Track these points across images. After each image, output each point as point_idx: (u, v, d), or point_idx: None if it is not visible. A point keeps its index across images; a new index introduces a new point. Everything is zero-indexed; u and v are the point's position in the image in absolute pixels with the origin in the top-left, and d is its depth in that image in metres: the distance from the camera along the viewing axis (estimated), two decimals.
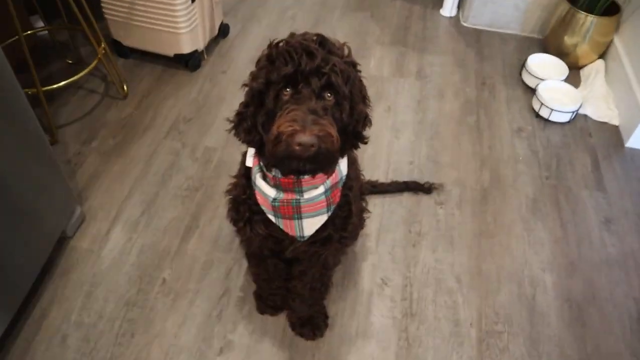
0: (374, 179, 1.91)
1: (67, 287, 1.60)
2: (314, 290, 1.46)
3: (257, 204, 1.17)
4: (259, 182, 1.12)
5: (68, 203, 1.67)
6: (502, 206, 1.91)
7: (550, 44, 2.53)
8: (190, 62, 2.31)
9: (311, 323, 1.53)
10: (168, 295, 1.60)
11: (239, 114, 1.06)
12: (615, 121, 2.24)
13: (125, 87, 2.19)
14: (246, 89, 1.05)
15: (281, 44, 0.99)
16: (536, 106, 2.25)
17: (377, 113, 2.15)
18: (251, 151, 1.15)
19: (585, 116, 2.27)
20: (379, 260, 1.72)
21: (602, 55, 2.47)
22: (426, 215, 1.86)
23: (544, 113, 2.21)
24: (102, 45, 2.02)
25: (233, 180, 1.31)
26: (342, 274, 1.67)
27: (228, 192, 1.30)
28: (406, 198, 1.91)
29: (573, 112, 2.20)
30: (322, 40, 1.00)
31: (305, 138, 0.88)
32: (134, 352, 1.47)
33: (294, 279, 1.46)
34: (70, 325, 1.51)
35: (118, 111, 2.15)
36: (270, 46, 1.00)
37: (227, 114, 2.14)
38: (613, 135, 2.21)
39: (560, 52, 2.45)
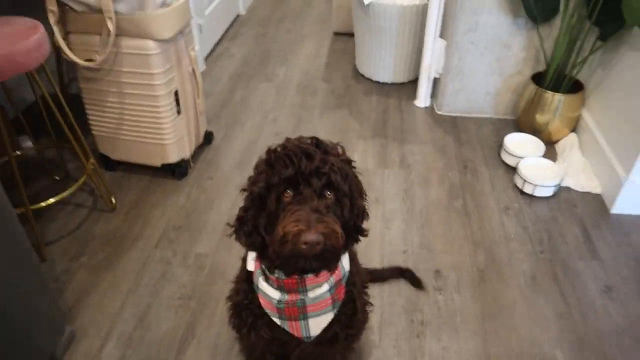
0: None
1: None
2: None
3: (261, 308, 1.16)
4: (262, 285, 1.12)
5: (57, 322, 1.61)
6: (501, 286, 1.88)
7: (523, 123, 2.64)
8: (177, 171, 2.35)
9: None
10: None
11: (239, 218, 1.08)
12: (597, 190, 2.29)
13: (113, 200, 2.19)
14: (245, 193, 1.08)
15: (279, 149, 1.04)
16: (519, 183, 2.30)
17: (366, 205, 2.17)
18: (251, 255, 1.15)
19: (568, 188, 2.32)
20: (383, 355, 1.65)
21: (573, 129, 2.58)
22: (426, 303, 1.82)
23: (527, 189, 2.26)
24: (91, 161, 2.05)
25: (232, 286, 1.29)
26: None
27: (229, 298, 1.28)
28: (404, 287, 1.88)
29: (556, 186, 2.25)
30: (317, 143, 1.06)
31: (311, 236, 0.90)
32: None
33: None
34: None
35: (106, 224, 2.14)
36: (268, 151, 1.05)
37: (216, 219, 2.17)
38: (597, 203, 2.25)
39: (534, 130, 2.56)
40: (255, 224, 1.05)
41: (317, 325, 1.15)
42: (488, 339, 1.70)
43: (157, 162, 2.31)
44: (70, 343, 1.67)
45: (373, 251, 2.01)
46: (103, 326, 1.74)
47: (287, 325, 1.15)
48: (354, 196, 1.06)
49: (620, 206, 2.18)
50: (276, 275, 1.08)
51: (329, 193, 1.00)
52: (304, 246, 0.91)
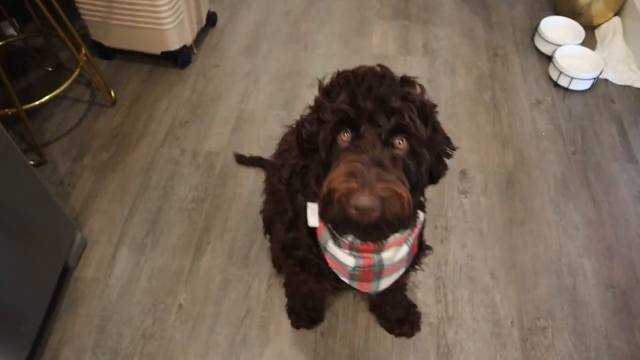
0: None
1: (77, 323, 1.48)
2: (396, 305, 1.42)
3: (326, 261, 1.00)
4: (332, 248, 0.95)
5: (67, 230, 1.53)
6: (530, 189, 1.79)
7: (562, 4, 2.37)
8: (179, 58, 2.13)
9: (408, 321, 1.45)
10: (186, 322, 1.49)
11: (291, 166, 0.89)
12: (638, 83, 2.10)
13: (112, 93, 2.01)
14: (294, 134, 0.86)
15: (342, 73, 0.80)
16: (554, 75, 2.10)
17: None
18: (312, 207, 0.95)
19: (606, 81, 2.13)
20: None
21: (617, 13, 2.31)
22: (451, 207, 1.74)
23: (563, 82, 2.07)
24: (83, 52, 1.84)
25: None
26: None
27: (284, 249, 1.10)
28: (428, 190, 1.78)
29: (594, 78, 2.06)
30: (390, 72, 0.80)
31: (364, 200, 0.68)
32: None
33: (376, 309, 1.46)
34: None
35: (107, 120, 1.98)
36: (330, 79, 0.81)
37: (225, 112, 2.02)
38: (638, 99, 2.07)
39: (573, 13, 2.29)
40: (306, 174, 0.84)
41: (388, 281, 1.01)
42: (514, 247, 1.64)
43: (157, 50, 2.09)
44: (82, 251, 1.61)
45: None
46: (114, 232, 1.67)
47: (356, 285, 1.01)
48: (436, 147, 0.82)
49: None
50: (350, 239, 0.90)
51: (400, 141, 0.76)
52: (353, 211, 0.69)
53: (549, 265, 1.60)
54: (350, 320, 1.48)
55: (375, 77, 0.76)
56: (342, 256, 0.93)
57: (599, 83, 2.12)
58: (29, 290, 1.33)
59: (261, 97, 2.07)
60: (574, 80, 2.03)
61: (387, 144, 0.75)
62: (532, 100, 2.07)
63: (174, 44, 2.06)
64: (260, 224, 1.66)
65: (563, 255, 1.63)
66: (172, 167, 1.84)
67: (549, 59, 2.17)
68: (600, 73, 2.07)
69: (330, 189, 0.72)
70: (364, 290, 1.02)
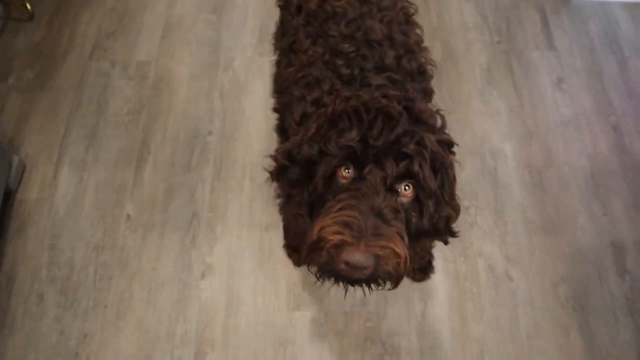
0: None
1: (28, 244, 1.52)
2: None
3: None
4: None
5: (2, 154, 1.52)
6: (457, 79, 1.87)
7: None
8: None
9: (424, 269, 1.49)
10: (136, 231, 1.55)
11: (279, 168, 0.78)
12: None
13: (28, 6, 1.89)
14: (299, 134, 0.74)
15: (351, 100, 0.71)
16: None
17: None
18: None
19: None
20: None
21: None
22: None
23: None
24: None
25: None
26: None
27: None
28: None
29: None
30: (408, 104, 0.71)
31: (357, 256, 0.62)
32: (115, 294, 1.46)
33: None
34: (43, 283, 1.46)
35: (28, 36, 1.89)
36: (335, 101, 0.73)
37: (153, 21, 1.96)
38: None
39: None
40: (299, 194, 0.75)
41: None
42: None
43: None
44: (22, 174, 1.61)
45: None
46: (52, 152, 1.66)
47: None
48: (443, 199, 0.74)
49: None
50: None
51: (406, 187, 0.70)
52: (343, 266, 0.64)
53: (473, 150, 1.72)
54: None
55: (390, 116, 0.69)
56: None
57: None
58: None
59: (188, 2, 2.01)
60: None
61: (391, 190, 0.69)
62: None
63: None
64: (200, 129, 1.70)
65: (487, 140, 1.75)
66: (104, 80, 1.81)
67: None
68: None
69: (320, 236, 0.65)
70: None
